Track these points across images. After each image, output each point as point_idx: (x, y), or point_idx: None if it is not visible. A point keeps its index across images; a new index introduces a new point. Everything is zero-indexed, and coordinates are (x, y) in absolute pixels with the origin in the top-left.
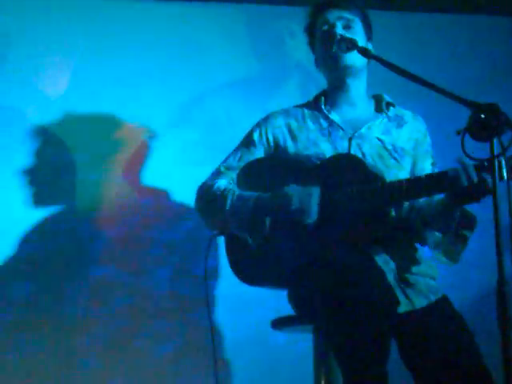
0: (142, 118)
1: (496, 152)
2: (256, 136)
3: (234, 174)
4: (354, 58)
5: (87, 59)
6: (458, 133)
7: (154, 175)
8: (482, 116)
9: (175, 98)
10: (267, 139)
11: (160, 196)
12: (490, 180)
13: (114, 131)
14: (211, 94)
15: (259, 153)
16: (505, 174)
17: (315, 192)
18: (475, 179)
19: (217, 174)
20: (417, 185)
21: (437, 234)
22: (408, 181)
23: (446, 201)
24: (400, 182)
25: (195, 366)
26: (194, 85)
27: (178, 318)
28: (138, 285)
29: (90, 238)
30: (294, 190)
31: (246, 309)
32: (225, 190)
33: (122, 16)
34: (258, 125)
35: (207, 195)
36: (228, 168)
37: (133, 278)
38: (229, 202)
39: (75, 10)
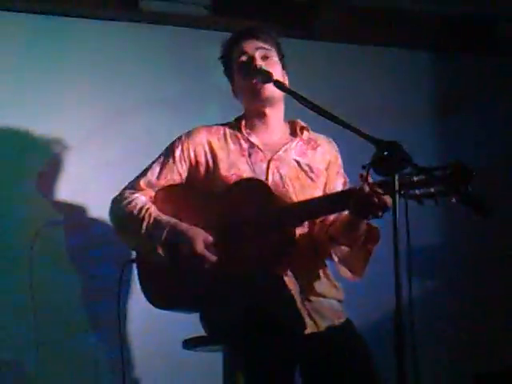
0: (59, 132)
1: (396, 188)
2: (178, 152)
3: (152, 192)
4: (271, 90)
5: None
6: (364, 167)
7: (71, 190)
8: (385, 153)
9: (96, 113)
10: (189, 155)
11: (75, 211)
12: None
13: (27, 143)
14: (131, 111)
15: (180, 168)
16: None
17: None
18: (371, 195)
19: (136, 188)
20: (318, 204)
21: (342, 248)
22: (309, 201)
23: (350, 216)
24: (302, 202)
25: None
26: (115, 102)
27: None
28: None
29: None
30: (195, 235)
31: (157, 327)
32: (141, 209)
33: (49, 30)
34: (181, 140)
35: (122, 211)
36: (148, 185)
37: (43, 292)
38: (144, 224)
39: None
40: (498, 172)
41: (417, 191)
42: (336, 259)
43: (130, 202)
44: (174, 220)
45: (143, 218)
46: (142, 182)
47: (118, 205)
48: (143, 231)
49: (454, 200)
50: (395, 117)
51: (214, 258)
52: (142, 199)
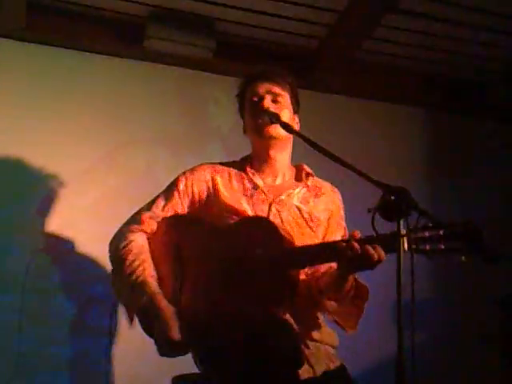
0: (57, 164)
1: (402, 232)
2: (181, 187)
3: (154, 225)
4: (277, 131)
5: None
6: (369, 211)
7: (65, 223)
8: (392, 198)
9: (95, 147)
10: (192, 191)
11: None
12: (379, 250)
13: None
14: (131, 146)
15: (183, 203)
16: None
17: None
18: (359, 251)
19: (138, 222)
20: (308, 252)
21: (332, 302)
22: (300, 248)
23: (339, 269)
24: (294, 249)
25: None
26: (115, 137)
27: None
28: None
29: None
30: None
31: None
32: (135, 259)
33: (50, 64)
34: (185, 175)
35: (116, 253)
36: (152, 217)
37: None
38: (132, 279)
39: None
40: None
41: (427, 246)
42: (328, 312)
43: (126, 245)
44: (157, 291)
45: (134, 271)
46: (145, 216)
47: (116, 244)
48: (128, 284)
49: (463, 258)
50: (386, 170)
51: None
52: (139, 242)
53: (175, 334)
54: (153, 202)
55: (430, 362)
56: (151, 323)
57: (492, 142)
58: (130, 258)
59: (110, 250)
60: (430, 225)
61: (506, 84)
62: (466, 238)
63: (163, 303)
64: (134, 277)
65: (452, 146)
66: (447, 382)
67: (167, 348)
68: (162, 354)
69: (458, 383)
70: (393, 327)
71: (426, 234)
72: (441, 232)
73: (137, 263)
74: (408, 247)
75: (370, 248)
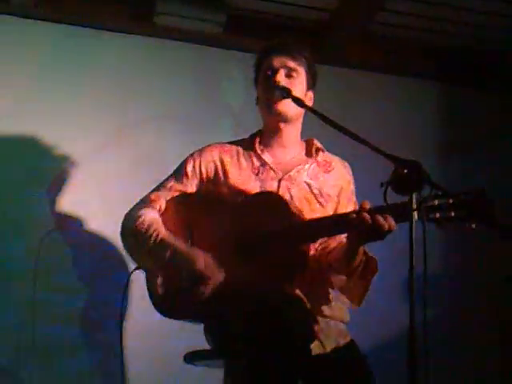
0: (70, 142)
1: (415, 206)
2: (189, 168)
3: (163, 203)
4: (288, 106)
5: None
6: (382, 185)
7: (76, 202)
8: (405, 171)
9: (107, 125)
10: (200, 171)
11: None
12: (390, 220)
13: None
14: (142, 125)
15: (191, 184)
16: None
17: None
18: (369, 221)
19: (146, 201)
20: (318, 225)
21: (341, 277)
22: (310, 221)
23: (349, 241)
24: (304, 222)
25: None
26: (126, 115)
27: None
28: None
29: None
30: (195, 255)
31: (158, 341)
32: (150, 226)
33: (61, 42)
34: (193, 157)
35: (130, 229)
36: (159, 196)
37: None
38: (150, 242)
39: None
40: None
41: (437, 214)
42: (336, 287)
43: (138, 218)
44: (178, 241)
45: (150, 236)
46: (153, 195)
47: (128, 221)
48: (148, 249)
49: (473, 226)
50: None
51: (215, 276)
52: (150, 215)
53: (201, 263)
54: (161, 183)
55: (441, 337)
56: (180, 270)
57: (506, 115)
58: (144, 227)
59: (122, 231)
60: (440, 193)
61: None
62: (476, 205)
63: (186, 247)
64: (151, 240)
65: (465, 119)
66: (459, 357)
67: (194, 278)
68: (185, 287)
69: (470, 358)
70: (404, 302)
71: (436, 202)
72: (450, 200)
73: (151, 230)
74: (418, 216)
75: (380, 218)
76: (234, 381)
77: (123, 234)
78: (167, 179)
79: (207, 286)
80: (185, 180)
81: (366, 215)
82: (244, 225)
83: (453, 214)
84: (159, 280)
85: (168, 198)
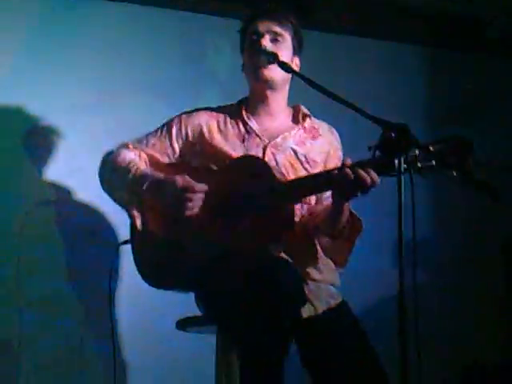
0: (55, 112)
1: (402, 169)
2: (175, 129)
3: (142, 152)
4: (274, 72)
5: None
6: (369, 149)
7: (64, 171)
8: (393, 135)
9: (92, 94)
10: (186, 134)
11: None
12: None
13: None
14: (128, 92)
15: (173, 144)
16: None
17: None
18: (351, 176)
19: (124, 147)
20: (301, 184)
21: (326, 239)
22: (293, 181)
23: (333, 199)
24: (288, 182)
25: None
26: (111, 83)
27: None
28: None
29: None
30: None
31: (148, 310)
32: (130, 162)
33: (53, 10)
34: (180, 117)
35: (111, 163)
36: (137, 148)
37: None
38: (130, 175)
39: None
40: None
41: (418, 164)
42: (321, 250)
43: (118, 155)
44: (156, 173)
45: (129, 170)
46: (132, 145)
47: (107, 158)
48: (129, 181)
49: (455, 174)
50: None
51: (198, 185)
52: (130, 154)
53: (180, 180)
54: (142, 137)
55: (432, 300)
56: (163, 194)
57: (493, 78)
58: (126, 161)
59: (102, 166)
60: (421, 144)
61: (507, 18)
62: (456, 150)
63: (164, 176)
64: (131, 174)
65: (452, 83)
66: (449, 321)
67: (179, 196)
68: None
69: (460, 322)
70: (394, 265)
71: (417, 152)
72: (431, 148)
73: (131, 165)
74: (401, 169)
75: (362, 172)
76: (228, 348)
77: (103, 168)
78: (150, 134)
79: (194, 199)
80: (168, 139)
81: (348, 170)
82: (229, 187)
83: (433, 162)
84: (145, 247)
85: (148, 152)
